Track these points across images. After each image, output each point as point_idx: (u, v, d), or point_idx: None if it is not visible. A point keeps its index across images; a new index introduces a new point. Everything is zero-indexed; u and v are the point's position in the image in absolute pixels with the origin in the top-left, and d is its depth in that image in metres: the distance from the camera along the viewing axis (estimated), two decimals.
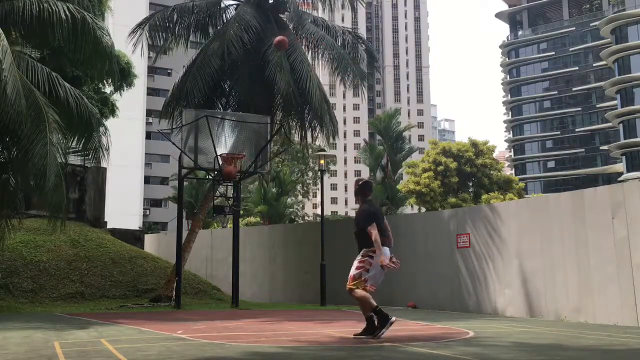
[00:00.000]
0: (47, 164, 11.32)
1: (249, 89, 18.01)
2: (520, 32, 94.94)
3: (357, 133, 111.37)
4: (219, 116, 17.07)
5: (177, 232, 17.19)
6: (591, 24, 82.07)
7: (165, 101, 19.08)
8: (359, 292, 7.61)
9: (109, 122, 21.58)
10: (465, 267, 14.40)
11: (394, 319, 7.59)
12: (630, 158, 68.05)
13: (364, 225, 7.76)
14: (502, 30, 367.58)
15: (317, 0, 19.97)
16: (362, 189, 8.14)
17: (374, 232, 7.64)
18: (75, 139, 13.76)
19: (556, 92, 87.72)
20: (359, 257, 7.82)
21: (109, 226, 23.41)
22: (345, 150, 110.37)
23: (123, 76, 22.42)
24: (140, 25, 18.17)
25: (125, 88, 24.26)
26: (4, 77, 10.88)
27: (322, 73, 20.89)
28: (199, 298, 18.23)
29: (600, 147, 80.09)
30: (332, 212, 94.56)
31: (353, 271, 7.76)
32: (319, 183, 25.67)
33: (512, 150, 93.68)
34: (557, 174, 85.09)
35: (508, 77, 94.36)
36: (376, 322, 7.63)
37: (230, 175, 15.54)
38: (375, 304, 7.61)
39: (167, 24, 18.58)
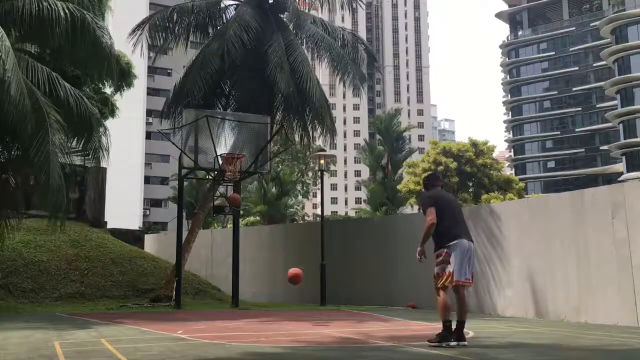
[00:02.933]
0: (49, 164, 11.33)
1: (249, 89, 18.01)
2: (520, 32, 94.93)
3: (357, 133, 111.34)
4: (219, 116, 17.07)
5: (177, 232, 17.19)
6: (591, 24, 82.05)
7: (166, 101, 19.09)
8: (441, 297, 7.09)
9: (109, 122, 21.57)
10: None
11: (453, 343, 6.90)
12: (630, 158, 68.04)
13: (422, 209, 7.26)
14: (502, 30, 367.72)
15: (317, 0, 19.97)
16: (426, 182, 7.74)
17: (428, 218, 7.12)
18: (75, 139, 13.76)
19: (556, 92, 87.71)
20: (436, 254, 7.29)
21: (109, 226, 23.40)
22: (345, 150, 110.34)
23: (123, 76, 22.40)
24: (140, 25, 18.17)
25: (125, 88, 24.23)
26: (8, 77, 10.88)
27: (322, 73, 20.90)
28: (199, 298, 18.23)
29: (600, 147, 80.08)
30: (332, 212, 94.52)
31: (434, 269, 7.22)
32: (319, 183, 25.63)
33: (512, 150, 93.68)
34: (557, 174, 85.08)
35: (508, 77, 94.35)
36: (439, 332, 7.10)
37: (236, 202, 15.70)
38: (449, 318, 7.02)
39: (167, 24, 18.58)
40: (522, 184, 58.37)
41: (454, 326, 7.04)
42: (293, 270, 8.72)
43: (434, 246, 7.33)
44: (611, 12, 74.98)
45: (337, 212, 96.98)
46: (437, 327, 8.70)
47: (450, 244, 7.12)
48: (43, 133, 11.48)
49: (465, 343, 6.99)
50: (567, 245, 11.97)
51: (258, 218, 50.51)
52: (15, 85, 10.92)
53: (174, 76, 55.25)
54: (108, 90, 24.72)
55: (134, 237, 23.55)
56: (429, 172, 8.36)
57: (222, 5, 19.52)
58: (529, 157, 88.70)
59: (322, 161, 19.98)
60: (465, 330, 7.17)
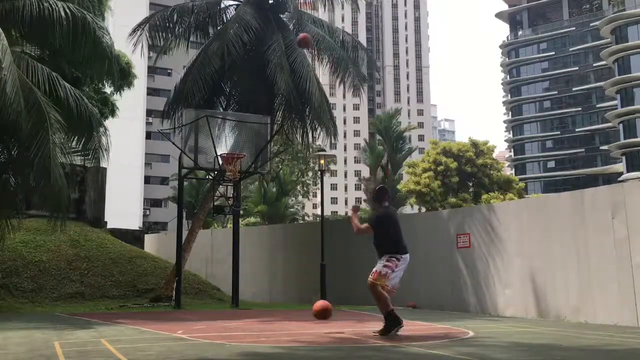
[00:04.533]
0: (50, 164, 11.33)
1: (249, 89, 18.02)
2: (520, 32, 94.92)
3: (357, 133, 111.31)
4: (219, 116, 17.07)
5: (177, 232, 17.20)
6: (591, 24, 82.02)
7: (167, 101, 19.10)
8: (379, 291, 7.93)
9: (109, 122, 21.57)
10: (465, 267, 14.39)
11: (403, 324, 8.02)
12: (630, 158, 68.01)
13: (373, 226, 8.27)
14: (502, 30, 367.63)
15: (317, 0, 19.97)
16: (375, 196, 8.63)
17: (364, 227, 8.37)
18: (75, 139, 13.76)
19: (556, 92, 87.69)
20: (385, 257, 8.09)
21: (109, 226, 23.41)
22: (345, 150, 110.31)
23: (123, 76, 22.41)
24: (140, 25, 18.17)
25: (125, 88, 24.25)
26: (4, 75, 10.88)
27: (322, 73, 20.89)
28: (199, 298, 18.23)
29: (600, 147, 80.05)
30: (332, 212, 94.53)
31: (380, 267, 8.01)
32: (319, 183, 25.65)
33: (512, 150, 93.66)
34: (557, 174, 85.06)
35: (508, 77, 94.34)
36: (386, 323, 8.02)
37: (306, 41, 15.06)
38: (391, 307, 8.01)
39: (167, 24, 18.59)
40: (522, 184, 58.34)
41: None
42: (320, 305, 8.82)
43: (385, 248, 8.21)
44: (611, 12, 74.97)
45: (337, 212, 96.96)
46: (437, 327, 8.71)
47: (402, 256, 8.09)
48: (43, 133, 11.48)
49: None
50: (567, 245, 11.97)
51: (258, 218, 50.51)
52: (10, 84, 10.92)
53: (174, 76, 55.25)
54: (108, 90, 24.73)
55: (134, 237, 23.56)
56: (380, 186, 8.68)
57: (222, 5, 19.53)
58: (529, 157, 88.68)
59: (322, 161, 19.98)
60: (465, 330, 7.29)
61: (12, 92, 10.95)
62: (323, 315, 8.61)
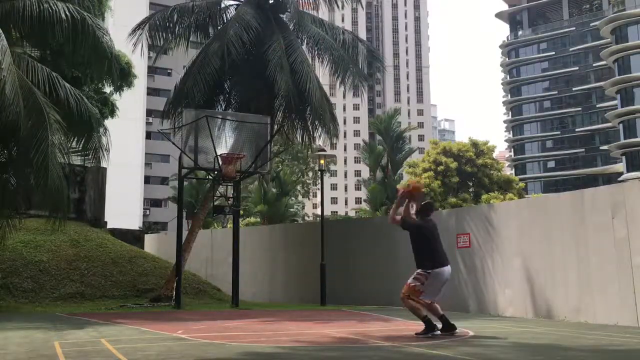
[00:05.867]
0: (49, 165, 11.33)
1: (250, 89, 18.02)
2: (520, 32, 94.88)
3: (357, 133, 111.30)
4: (219, 116, 17.07)
5: (177, 232, 17.19)
6: (591, 24, 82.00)
7: (167, 101, 19.10)
8: (411, 302, 8.13)
9: (109, 122, 21.57)
10: (465, 267, 14.39)
11: (437, 332, 8.09)
12: (630, 158, 68.00)
13: (411, 231, 8.39)
14: (502, 30, 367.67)
15: (317, 0, 19.95)
16: (422, 210, 8.60)
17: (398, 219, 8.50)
18: (75, 139, 13.76)
19: (556, 92, 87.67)
20: (418, 270, 8.26)
21: (109, 226, 23.40)
22: (345, 150, 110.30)
23: (123, 76, 22.41)
24: (140, 25, 18.17)
25: (125, 88, 24.24)
26: (3, 76, 10.88)
27: (323, 73, 20.88)
28: (199, 298, 18.23)
29: (600, 147, 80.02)
30: (332, 212, 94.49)
31: (411, 280, 8.23)
32: (319, 183, 25.64)
33: (512, 150, 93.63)
34: (557, 174, 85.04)
35: (508, 77, 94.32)
36: (424, 327, 8.16)
37: (229, 174, 15.54)
38: (425, 314, 8.16)
39: (167, 24, 18.59)
40: (522, 184, 58.31)
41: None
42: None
43: (417, 261, 8.33)
44: (611, 12, 74.93)
45: (337, 212, 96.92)
46: (438, 327, 8.66)
47: (434, 271, 8.09)
48: (42, 133, 11.47)
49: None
50: (567, 245, 11.97)
51: (258, 218, 50.49)
52: (10, 84, 10.92)
53: (174, 76, 55.25)
54: (108, 90, 24.72)
55: (134, 237, 23.55)
56: (427, 202, 8.74)
57: (223, 5, 19.52)
58: (529, 157, 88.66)
59: (322, 161, 19.98)
60: (465, 330, 7.33)
61: (12, 92, 10.95)
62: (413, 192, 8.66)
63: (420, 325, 8.30)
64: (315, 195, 75.52)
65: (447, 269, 8.21)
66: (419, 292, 8.05)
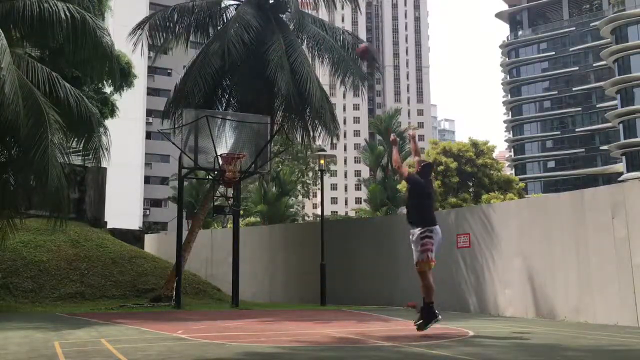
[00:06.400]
0: (49, 165, 11.32)
1: (250, 89, 18.02)
2: (520, 32, 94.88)
3: (357, 133, 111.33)
4: (219, 116, 17.07)
5: (177, 232, 17.19)
6: (591, 24, 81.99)
7: (167, 101, 19.10)
8: (429, 280, 7.93)
9: (109, 122, 21.56)
10: (465, 267, 14.39)
11: (439, 317, 8.00)
12: (630, 158, 68.00)
13: (412, 182, 8.40)
14: (502, 30, 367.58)
15: (317, 0, 19.94)
16: (422, 171, 8.52)
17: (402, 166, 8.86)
18: (75, 139, 13.76)
19: (556, 92, 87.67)
20: (416, 237, 8.06)
21: (109, 226, 23.40)
22: (345, 150, 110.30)
23: (123, 76, 22.41)
24: (140, 25, 18.16)
25: (125, 88, 24.25)
26: (2, 76, 10.88)
27: (323, 73, 20.88)
28: (199, 298, 18.23)
29: (600, 147, 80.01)
30: (332, 212, 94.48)
31: (419, 255, 7.99)
32: (319, 183, 25.66)
33: (512, 150, 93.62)
34: (557, 174, 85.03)
35: (508, 77, 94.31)
36: (424, 313, 8.01)
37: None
38: (433, 299, 7.96)
39: (168, 24, 18.58)
40: (522, 184, 58.25)
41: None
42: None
43: (415, 220, 8.23)
44: (611, 12, 74.93)
45: (337, 212, 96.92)
46: (437, 327, 8.70)
47: (432, 229, 8.06)
48: (42, 133, 11.47)
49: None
50: (567, 245, 11.97)
51: (258, 218, 50.50)
52: (9, 84, 10.91)
53: (174, 76, 55.24)
54: (108, 90, 24.73)
55: (134, 237, 23.55)
56: (427, 162, 8.74)
57: (223, 5, 19.51)
58: (529, 157, 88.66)
59: (322, 161, 19.99)
60: (465, 330, 7.30)
61: (11, 92, 10.94)
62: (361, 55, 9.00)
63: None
64: (315, 195, 75.50)
65: (439, 229, 8.25)
66: (432, 260, 7.92)
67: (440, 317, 8.03)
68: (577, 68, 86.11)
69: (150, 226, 55.59)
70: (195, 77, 17.31)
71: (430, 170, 8.83)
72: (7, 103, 10.92)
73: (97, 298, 16.81)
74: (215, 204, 18.73)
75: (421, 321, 8.03)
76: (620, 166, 71.38)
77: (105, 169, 21.73)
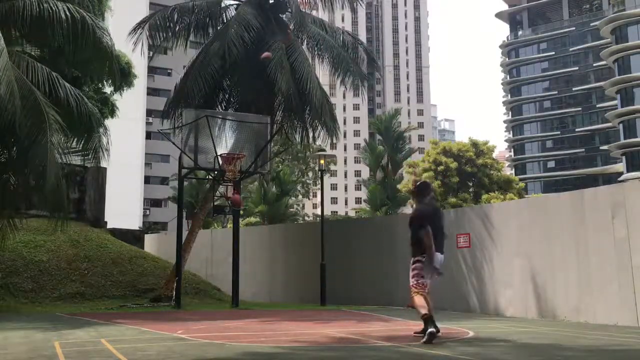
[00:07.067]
0: (48, 165, 11.32)
1: (250, 89, 18.02)
2: (520, 32, 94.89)
3: (357, 133, 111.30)
4: (219, 116, 17.07)
5: (177, 232, 17.20)
6: (591, 24, 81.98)
7: (167, 101, 19.09)
8: (417, 299, 7.64)
9: (109, 122, 21.55)
10: (466, 267, 14.39)
11: (432, 330, 7.42)
12: (630, 158, 68.00)
13: (414, 231, 7.79)
14: (502, 30, 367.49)
15: (317, 0, 19.94)
16: (419, 191, 8.21)
17: (426, 240, 7.64)
18: (75, 139, 13.75)
19: (556, 92, 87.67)
20: (411, 265, 7.83)
21: (109, 226, 23.39)
22: (345, 150, 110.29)
23: (123, 76, 22.39)
24: (140, 25, 18.17)
25: (125, 88, 24.23)
26: None
27: (323, 73, 20.90)
28: (199, 298, 18.23)
29: (600, 147, 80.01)
30: (332, 212, 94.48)
31: (411, 281, 7.79)
32: (319, 183, 25.67)
33: (512, 150, 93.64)
34: (557, 174, 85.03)
35: (508, 77, 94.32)
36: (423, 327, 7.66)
37: (237, 203, 15.98)
38: (426, 312, 7.54)
39: (168, 24, 18.58)
40: (522, 184, 58.30)
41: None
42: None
43: (413, 254, 7.86)
44: (611, 12, 74.92)
45: (337, 212, 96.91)
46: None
47: (424, 258, 7.68)
48: (42, 133, 11.46)
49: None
50: (567, 245, 11.97)
51: (258, 218, 50.48)
52: (5, 84, 10.90)
53: (174, 76, 55.20)
54: (108, 90, 24.72)
55: (134, 237, 23.54)
56: (424, 181, 8.47)
57: (223, 5, 19.51)
58: (529, 157, 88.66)
59: (322, 161, 20.00)
60: (465, 330, 7.26)
61: (7, 93, 10.93)
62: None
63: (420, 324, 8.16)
64: (315, 195, 75.49)
65: (439, 256, 7.80)
66: (424, 285, 7.68)
67: (433, 330, 7.45)
68: (577, 68, 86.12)
69: (150, 226, 55.57)
70: (195, 77, 17.31)
71: (427, 188, 8.34)
72: (3, 104, 10.90)
73: (97, 298, 16.81)
74: (215, 204, 18.72)
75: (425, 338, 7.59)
76: (620, 166, 71.38)
77: (105, 169, 21.73)
